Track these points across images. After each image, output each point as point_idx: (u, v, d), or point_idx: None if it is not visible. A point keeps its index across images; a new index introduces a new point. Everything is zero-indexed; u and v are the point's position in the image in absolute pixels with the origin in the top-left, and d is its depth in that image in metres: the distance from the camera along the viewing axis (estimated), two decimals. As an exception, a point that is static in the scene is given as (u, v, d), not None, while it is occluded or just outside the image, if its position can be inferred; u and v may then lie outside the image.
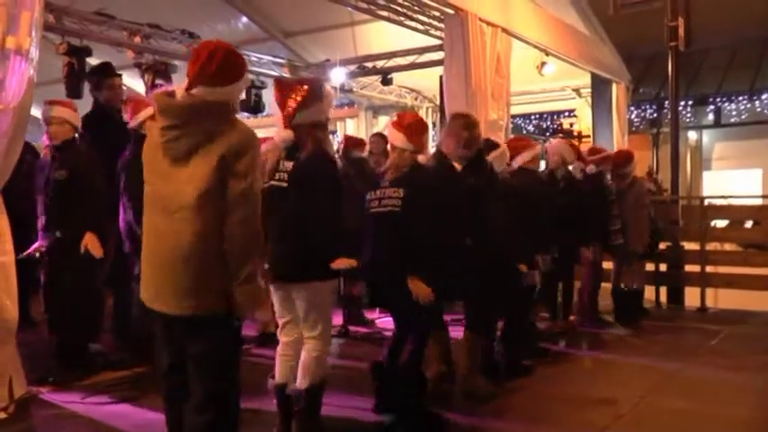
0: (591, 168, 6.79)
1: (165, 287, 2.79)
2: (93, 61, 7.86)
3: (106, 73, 6.01)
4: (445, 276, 4.12)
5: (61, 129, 4.89)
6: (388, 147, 4.39)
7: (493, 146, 5.07)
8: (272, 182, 3.61)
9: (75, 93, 7.15)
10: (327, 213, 3.60)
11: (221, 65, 2.78)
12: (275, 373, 3.81)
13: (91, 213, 4.90)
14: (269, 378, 3.84)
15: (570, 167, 6.58)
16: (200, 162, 2.70)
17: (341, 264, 3.56)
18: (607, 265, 7.38)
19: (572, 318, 6.91)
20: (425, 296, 3.83)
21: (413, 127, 4.09)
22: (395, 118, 4.28)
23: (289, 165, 3.62)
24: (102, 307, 5.65)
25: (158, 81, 7.78)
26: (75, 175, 4.87)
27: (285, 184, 3.60)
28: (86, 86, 7.08)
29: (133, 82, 8.98)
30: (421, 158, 4.08)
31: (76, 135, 5.13)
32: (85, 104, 6.49)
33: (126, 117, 5.44)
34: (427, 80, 10.93)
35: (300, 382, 3.67)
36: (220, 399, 2.81)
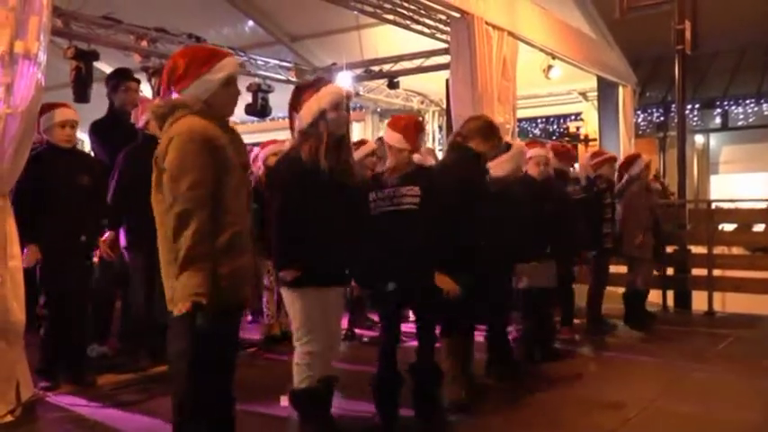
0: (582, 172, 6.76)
1: None
2: (100, 65, 7.91)
3: (125, 76, 6.07)
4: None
5: (74, 132, 4.89)
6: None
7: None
8: None
9: (82, 97, 7.19)
10: (278, 219, 3.63)
11: (166, 71, 2.97)
12: None
13: (105, 217, 5.04)
14: None
15: (575, 170, 6.58)
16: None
17: (285, 275, 3.60)
18: (615, 269, 7.36)
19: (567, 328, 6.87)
20: (454, 290, 3.97)
21: (409, 127, 4.16)
22: (390, 120, 4.40)
23: None
24: (111, 310, 5.68)
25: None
26: (95, 180, 4.92)
27: None
28: (94, 91, 7.15)
29: (140, 86, 9.02)
30: (416, 157, 4.16)
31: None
32: (93, 109, 6.53)
33: (134, 119, 5.48)
34: (434, 84, 10.94)
35: None
36: (179, 401, 2.90)
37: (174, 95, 2.93)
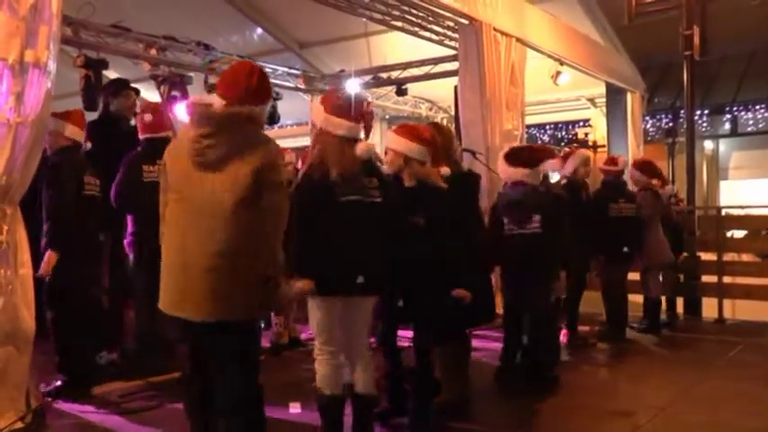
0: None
1: (193, 292, 2.87)
2: (109, 74, 7.95)
3: (127, 85, 6.15)
4: None
5: (51, 138, 4.72)
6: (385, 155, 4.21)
7: None
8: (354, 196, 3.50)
9: (91, 105, 7.21)
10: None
11: (257, 86, 3.00)
12: None
13: (53, 230, 4.62)
14: None
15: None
16: (237, 171, 2.85)
17: None
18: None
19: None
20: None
21: (435, 141, 4.12)
22: (408, 129, 4.13)
23: (372, 180, 3.58)
24: (105, 318, 5.58)
25: (174, 93, 7.85)
26: (40, 189, 4.62)
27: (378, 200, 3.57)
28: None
29: (149, 94, 9.05)
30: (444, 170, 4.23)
31: (70, 145, 4.91)
32: (101, 117, 6.57)
33: (136, 123, 5.48)
34: (442, 90, 10.94)
35: None
36: (251, 395, 2.99)
37: (242, 107, 2.96)
